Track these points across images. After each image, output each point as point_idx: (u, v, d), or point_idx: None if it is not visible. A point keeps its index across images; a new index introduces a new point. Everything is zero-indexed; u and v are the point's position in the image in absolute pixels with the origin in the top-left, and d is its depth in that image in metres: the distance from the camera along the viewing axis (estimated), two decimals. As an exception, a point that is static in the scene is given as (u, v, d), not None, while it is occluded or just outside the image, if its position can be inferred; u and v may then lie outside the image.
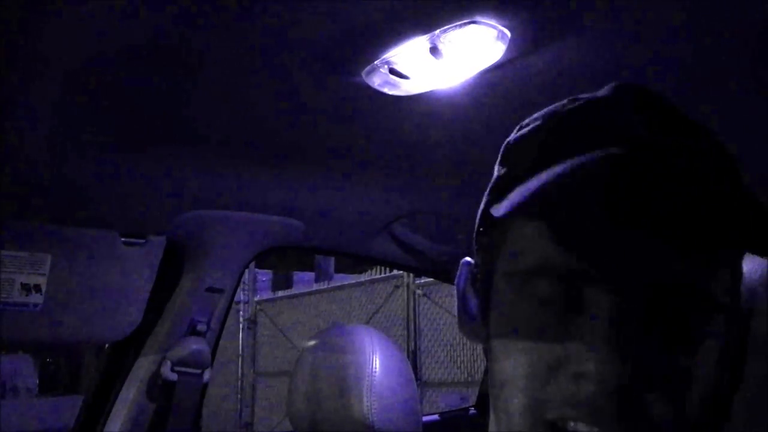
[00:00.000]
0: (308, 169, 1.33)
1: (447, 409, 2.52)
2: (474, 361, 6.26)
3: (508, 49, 0.86)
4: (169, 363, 1.53)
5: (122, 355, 1.58)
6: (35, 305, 1.37)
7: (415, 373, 5.96)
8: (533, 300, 0.53)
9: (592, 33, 0.85)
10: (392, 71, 0.93)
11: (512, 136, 0.61)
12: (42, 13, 0.79)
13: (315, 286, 8.82)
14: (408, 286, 6.82)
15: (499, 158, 0.62)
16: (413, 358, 6.56)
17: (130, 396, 1.54)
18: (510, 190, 0.52)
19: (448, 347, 6.55)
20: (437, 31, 0.83)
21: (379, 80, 0.95)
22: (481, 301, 0.60)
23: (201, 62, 0.91)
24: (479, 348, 0.62)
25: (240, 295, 8.49)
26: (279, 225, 1.55)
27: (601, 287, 0.50)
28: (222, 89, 0.99)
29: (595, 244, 0.50)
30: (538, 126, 0.59)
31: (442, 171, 1.34)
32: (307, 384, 1.22)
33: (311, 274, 10.26)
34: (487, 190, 0.61)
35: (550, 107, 0.59)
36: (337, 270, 9.89)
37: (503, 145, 0.62)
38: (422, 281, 6.63)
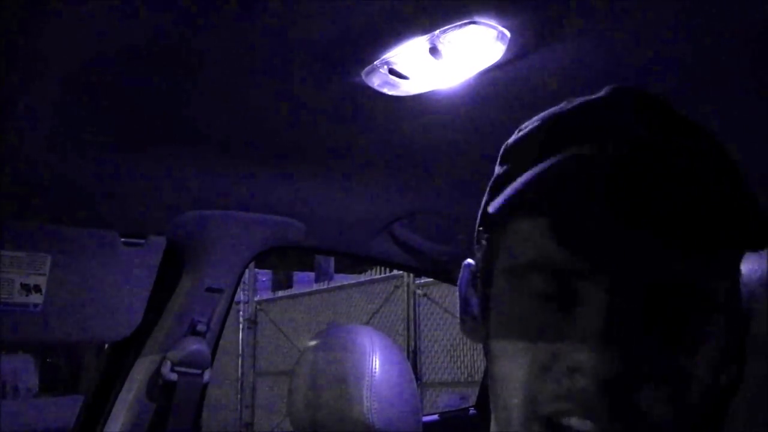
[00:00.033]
0: (308, 169, 1.33)
1: (447, 409, 2.52)
2: (474, 361, 6.26)
3: (508, 50, 0.86)
4: (169, 363, 1.54)
5: (122, 355, 1.58)
6: (35, 305, 1.37)
7: (415, 373, 5.96)
8: (529, 296, 0.53)
9: (591, 33, 0.85)
10: (392, 71, 0.93)
11: (512, 138, 0.62)
12: (42, 13, 0.79)
13: (315, 286, 8.82)
14: (408, 286, 6.82)
15: (498, 158, 0.62)
16: (413, 358, 6.56)
17: (130, 396, 1.54)
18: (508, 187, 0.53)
19: (448, 347, 6.55)
20: (437, 32, 0.83)
21: (378, 80, 0.95)
22: (481, 300, 0.61)
23: (201, 62, 0.91)
24: (479, 348, 0.62)
25: (240, 295, 8.48)
26: (279, 225, 1.55)
27: (596, 283, 0.50)
28: (222, 89, 0.99)
29: (590, 240, 0.50)
30: (537, 126, 0.59)
31: (442, 171, 1.34)
32: (308, 384, 1.22)
33: (311, 274, 10.26)
34: (487, 189, 0.62)
35: (549, 110, 0.59)
36: (337, 270, 9.89)
37: (503, 146, 0.62)
38: (422, 281, 6.62)
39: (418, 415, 1.27)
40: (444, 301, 6.44)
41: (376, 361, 1.20)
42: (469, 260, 0.66)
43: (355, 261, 5.30)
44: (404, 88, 0.97)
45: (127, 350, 1.57)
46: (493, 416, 0.59)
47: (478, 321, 0.62)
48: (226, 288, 1.61)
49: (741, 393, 0.57)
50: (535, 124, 0.59)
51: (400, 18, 0.81)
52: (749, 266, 0.62)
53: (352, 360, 1.20)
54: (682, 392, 0.50)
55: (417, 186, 1.44)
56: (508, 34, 0.83)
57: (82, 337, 1.49)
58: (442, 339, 6.60)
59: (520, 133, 0.60)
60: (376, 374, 1.19)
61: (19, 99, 0.99)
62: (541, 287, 0.52)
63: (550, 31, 0.84)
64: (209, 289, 1.58)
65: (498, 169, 0.61)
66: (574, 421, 0.49)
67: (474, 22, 0.81)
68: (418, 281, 6.71)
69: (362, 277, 7.72)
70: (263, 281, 10.14)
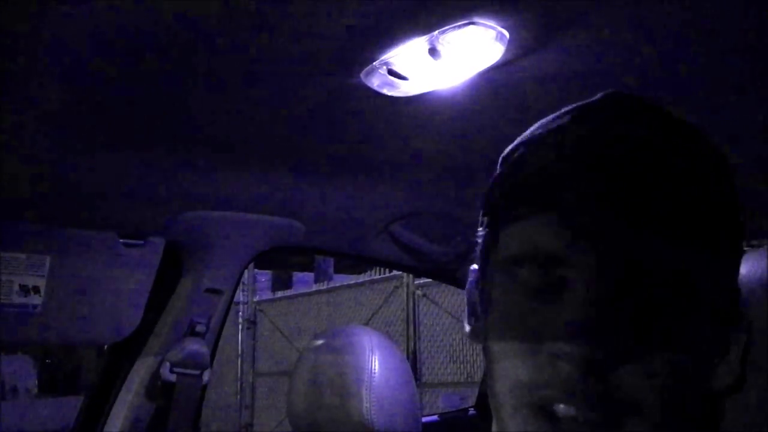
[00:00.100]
0: (307, 169, 1.33)
1: (446, 410, 2.52)
2: (474, 361, 6.26)
3: (507, 50, 0.86)
4: (168, 364, 1.54)
5: (121, 356, 1.58)
6: (34, 306, 1.37)
7: (415, 374, 5.96)
8: (518, 287, 0.55)
9: (590, 33, 0.85)
10: (391, 72, 0.93)
11: (509, 148, 0.63)
12: (42, 13, 0.79)
13: (314, 287, 8.81)
14: (407, 286, 6.81)
15: (500, 160, 0.62)
16: (413, 358, 6.56)
17: (129, 397, 1.54)
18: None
19: (448, 348, 6.55)
20: (436, 32, 0.83)
21: (377, 81, 0.95)
22: (481, 298, 0.61)
23: (200, 63, 0.91)
24: (479, 348, 0.63)
25: (239, 296, 8.48)
26: (278, 226, 1.55)
27: (580, 272, 0.51)
28: (221, 91, 0.99)
29: (577, 230, 0.52)
30: (533, 137, 0.60)
31: (442, 171, 1.34)
32: (307, 385, 1.22)
33: (311, 275, 10.26)
34: (488, 187, 0.62)
35: (544, 119, 0.60)
36: (337, 270, 9.89)
37: (501, 156, 0.62)
38: (422, 282, 6.62)
39: (417, 415, 1.27)
40: (443, 301, 6.45)
41: (376, 362, 1.20)
42: (475, 265, 0.67)
43: (354, 261, 5.30)
44: (403, 89, 0.97)
45: (126, 351, 1.57)
46: (493, 414, 0.60)
47: (480, 321, 0.62)
48: (226, 289, 1.61)
49: (740, 393, 0.57)
50: (531, 133, 0.60)
51: (399, 19, 0.81)
52: (749, 266, 0.62)
53: (352, 361, 1.20)
54: (667, 382, 0.51)
55: (416, 186, 1.44)
56: (507, 34, 0.83)
57: (81, 338, 1.49)
58: (442, 339, 6.60)
59: (516, 143, 0.61)
60: (376, 375, 1.19)
61: (18, 99, 0.99)
62: (529, 278, 0.54)
63: (549, 32, 0.84)
64: (208, 290, 1.58)
65: (498, 171, 0.61)
66: (559, 408, 0.50)
67: (473, 23, 0.81)
68: (417, 282, 6.70)
69: (362, 278, 7.72)
70: (263, 282, 10.14)
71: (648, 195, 0.50)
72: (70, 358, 14.08)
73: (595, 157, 0.52)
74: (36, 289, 1.37)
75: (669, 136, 0.55)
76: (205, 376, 1.59)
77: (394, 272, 6.78)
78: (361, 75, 0.93)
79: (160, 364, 1.54)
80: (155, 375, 1.54)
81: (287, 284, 10.35)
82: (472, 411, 2.18)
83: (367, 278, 7.55)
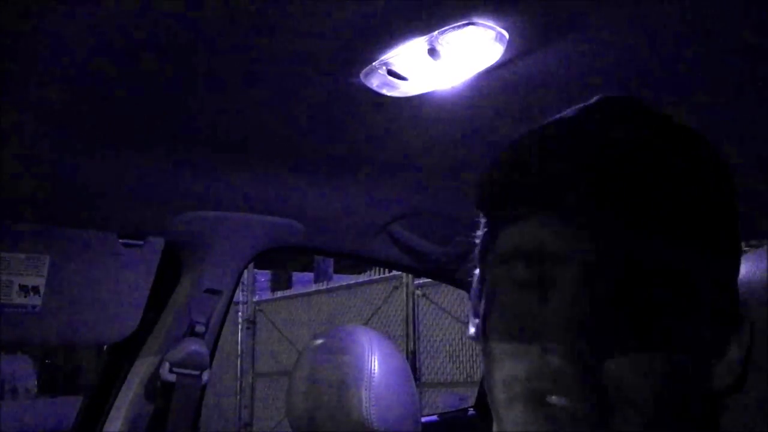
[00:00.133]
0: (307, 170, 1.33)
1: (446, 410, 2.52)
2: (473, 361, 6.26)
3: (507, 50, 0.86)
4: (167, 364, 1.53)
5: (121, 356, 1.58)
6: (34, 306, 1.37)
7: (414, 374, 5.95)
8: (513, 283, 0.56)
9: (590, 34, 0.85)
10: (390, 72, 0.93)
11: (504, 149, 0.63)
12: (42, 12, 0.79)
13: (314, 287, 8.81)
14: (407, 286, 6.81)
15: (496, 159, 0.63)
16: (412, 358, 6.56)
17: (128, 397, 1.54)
18: None
19: (447, 348, 6.54)
20: (435, 33, 0.83)
21: (377, 81, 0.95)
22: (480, 299, 0.62)
23: (200, 63, 0.91)
24: (478, 348, 0.63)
25: (239, 296, 8.48)
26: (278, 226, 1.55)
27: (572, 267, 0.52)
28: (221, 90, 0.99)
29: (571, 228, 0.53)
30: (527, 140, 0.61)
31: (441, 172, 1.34)
32: (306, 384, 1.22)
33: (310, 275, 10.26)
34: (483, 187, 0.63)
35: (539, 125, 0.61)
36: (336, 270, 9.89)
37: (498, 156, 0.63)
38: (421, 282, 6.62)
39: (417, 415, 1.27)
40: (443, 301, 6.45)
41: (375, 362, 1.20)
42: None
43: (354, 261, 5.30)
44: (403, 89, 0.97)
45: (125, 351, 1.57)
46: (492, 413, 0.60)
47: (480, 321, 0.63)
48: (225, 289, 1.61)
49: (741, 393, 0.57)
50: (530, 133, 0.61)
51: (398, 19, 0.81)
52: (749, 266, 0.62)
53: (351, 361, 1.20)
54: (662, 379, 0.51)
55: (416, 187, 1.44)
56: (506, 34, 0.83)
57: (81, 338, 1.49)
58: (441, 339, 6.59)
59: (511, 145, 0.62)
60: (375, 375, 1.19)
61: (18, 99, 0.99)
62: (523, 275, 0.55)
63: (548, 32, 0.84)
64: (208, 290, 1.58)
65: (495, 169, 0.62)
66: (552, 399, 0.51)
67: (472, 23, 0.81)
68: (417, 282, 6.70)
69: (361, 278, 7.72)
70: (262, 282, 10.14)
71: (645, 194, 0.51)
72: (70, 358, 14.08)
73: (593, 158, 0.53)
74: (35, 290, 1.37)
75: (666, 136, 0.55)
76: (205, 377, 1.59)
77: (394, 272, 6.78)
78: (361, 75, 0.93)
79: (160, 364, 1.54)
80: (155, 375, 1.54)
81: (287, 284, 10.35)
82: (471, 411, 2.18)
83: (366, 278, 7.55)
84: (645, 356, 0.51)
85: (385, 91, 0.97)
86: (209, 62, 0.91)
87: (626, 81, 0.94)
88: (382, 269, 6.87)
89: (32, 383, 13.05)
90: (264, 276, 10.49)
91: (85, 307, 1.43)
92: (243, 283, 8.44)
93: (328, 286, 8.36)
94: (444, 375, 6.59)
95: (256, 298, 9.05)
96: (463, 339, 6.31)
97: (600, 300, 0.51)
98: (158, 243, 1.50)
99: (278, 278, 10.90)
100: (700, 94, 0.98)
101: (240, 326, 8.81)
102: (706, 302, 0.53)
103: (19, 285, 1.36)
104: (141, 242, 1.48)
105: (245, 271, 1.86)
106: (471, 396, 3.54)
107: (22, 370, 12.77)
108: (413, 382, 1.29)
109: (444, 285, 5.13)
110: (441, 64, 0.89)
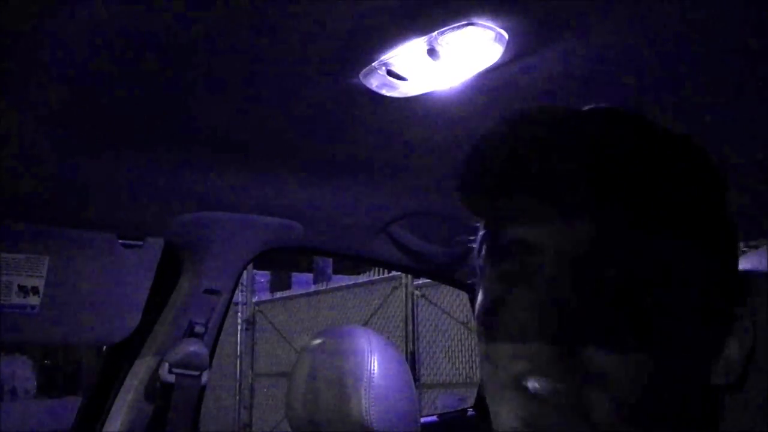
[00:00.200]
0: (306, 170, 1.33)
1: (445, 411, 2.52)
2: (472, 362, 6.26)
3: (506, 51, 0.86)
4: (167, 365, 1.53)
5: (120, 357, 1.58)
6: (33, 307, 1.37)
7: (414, 375, 5.95)
8: (499, 275, 0.57)
9: (590, 34, 0.85)
10: (390, 73, 0.93)
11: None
12: (42, 12, 0.79)
13: (313, 288, 8.82)
14: (406, 287, 6.81)
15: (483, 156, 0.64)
16: (411, 359, 6.55)
17: (128, 398, 1.54)
18: None
19: (447, 348, 6.54)
20: (435, 33, 0.83)
21: (376, 82, 0.95)
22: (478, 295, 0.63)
23: (198, 64, 0.91)
24: (478, 349, 0.64)
25: (238, 296, 8.48)
26: (277, 226, 1.55)
27: (551, 257, 0.54)
28: (219, 91, 0.99)
29: (551, 219, 0.54)
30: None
31: (441, 172, 1.34)
32: (306, 385, 1.22)
33: (309, 275, 10.26)
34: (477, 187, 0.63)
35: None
36: (336, 271, 9.90)
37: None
38: (420, 282, 6.62)
39: (416, 416, 1.28)
40: (442, 302, 6.45)
41: (375, 363, 1.20)
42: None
43: (353, 262, 5.30)
44: (402, 90, 0.97)
45: (125, 352, 1.57)
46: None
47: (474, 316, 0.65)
48: (225, 290, 1.61)
49: (742, 393, 0.57)
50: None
51: (397, 19, 0.81)
52: (749, 266, 0.62)
53: (351, 361, 1.20)
54: (642, 370, 0.52)
55: (415, 187, 1.44)
56: (505, 35, 0.83)
57: (80, 338, 1.49)
58: (441, 340, 6.59)
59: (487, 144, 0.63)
60: (375, 375, 1.19)
61: (18, 99, 0.99)
62: (505, 266, 0.56)
63: (547, 33, 0.84)
64: (207, 291, 1.58)
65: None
66: (531, 382, 0.52)
67: (472, 24, 0.81)
68: (416, 282, 6.71)
69: (360, 279, 7.72)
70: (261, 282, 10.14)
71: (633, 188, 0.52)
72: (70, 358, 14.08)
73: (586, 159, 0.53)
74: (35, 290, 1.37)
75: (661, 140, 0.57)
76: (204, 377, 1.59)
77: (393, 273, 6.78)
78: (360, 75, 0.93)
79: (159, 364, 1.54)
80: (154, 376, 1.54)
81: (286, 285, 10.35)
82: (470, 411, 2.18)
83: (365, 279, 7.55)
84: (628, 347, 0.51)
85: (384, 92, 0.97)
86: (209, 62, 0.91)
87: (626, 81, 0.94)
88: (381, 270, 6.87)
89: (31, 384, 13.05)
90: (263, 277, 10.49)
91: (84, 307, 1.43)
92: (242, 284, 8.44)
93: (328, 287, 8.37)
94: (443, 375, 6.58)
95: (255, 299, 9.05)
96: (462, 340, 6.32)
97: (584, 289, 0.52)
98: (158, 243, 1.50)
99: (277, 279, 10.90)
100: (700, 94, 0.98)
101: (239, 327, 8.81)
102: (695, 299, 0.54)
103: (19, 285, 1.36)
104: (141, 242, 1.48)
105: (244, 271, 1.86)
106: (470, 396, 3.54)
107: (21, 370, 12.77)
108: (412, 382, 1.29)
109: (443, 286, 5.13)
110: (440, 65, 0.89)
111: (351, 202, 1.50)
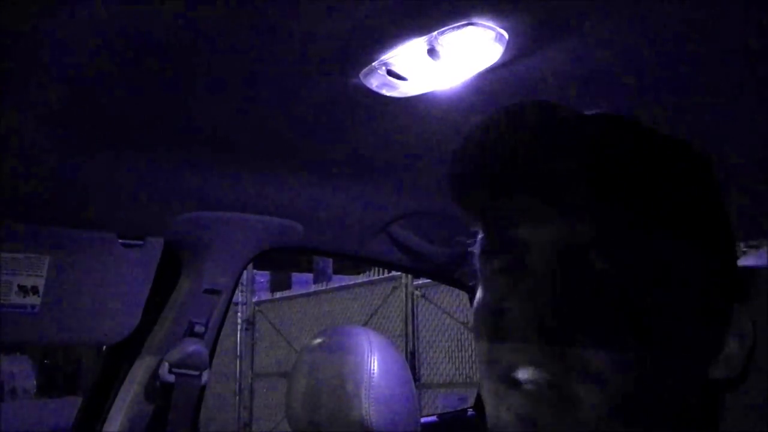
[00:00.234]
0: (306, 170, 1.33)
1: (445, 411, 2.52)
2: (472, 362, 6.25)
3: (506, 51, 0.86)
4: (167, 365, 1.53)
5: (120, 356, 1.58)
6: (33, 307, 1.37)
7: (414, 374, 5.95)
8: (500, 273, 0.57)
9: (590, 34, 0.85)
10: (390, 73, 0.93)
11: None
12: (42, 13, 0.79)
13: (313, 287, 8.81)
14: (406, 287, 6.81)
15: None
16: (411, 359, 6.56)
17: (128, 398, 1.53)
18: None
19: (446, 348, 6.55)
20: (435, 33, 0.83)
21: (376, 82, 0.95)
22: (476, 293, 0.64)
23: (198, 64, 0.91)
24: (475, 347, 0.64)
25: (238, 296, 8.48)
26: (277, 226, 1.55)
27: (540, 253, 0.54)
28: (220, 91, 0.99)
29: (542, 216, 0.55)
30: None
31: (440, 172, 1.34)
32: (306, 385, 1.22)
33: (309, 275, 10.27)
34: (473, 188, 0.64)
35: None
36: (336, 271, 9.90)
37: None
38: (420, 282, 6.63)
39: (416, 416, 1.28)
40: (442, 302, 6.45)
41: (375, 363, 1.20)
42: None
43: (353, 262, 5.30)
44: (402, 90, 0.97)
45: (125, 352, 1.57)
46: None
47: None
48: (225, 289, 1.61)
49: (742, 393, 0.57)
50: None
51: (398, 19, 0.81)
52: (748, 264, 0.62)
53: (351, 361, 1.20)
54: (632, 365, 0.52)
55: (415, 187, 1.44)
56: (506, 35, 0.83)
57: (80, 338, 1.48)
58: (441, 340, 6.60)
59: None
60: (375, 375, 1.19)
61: (18, 99, 0.99)
62: (496, 263, 0.57)
63: (548, 33, 0.84)
64: (207, 291, 1.58)
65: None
66: (521, 374, 0.53)
67: (472, 24, 0.81)
68: (416, 282, 6.71)
69: (360, 278, 7.72)
70: (261, 282, 10.14)
71: (627, 186, 0.52)
72: (70, 358, 14.08)
73: (586, 159, 0.54)
74: (35, 290, 1.37)
75: (659, 143, 0.57)
76: (204, 377, 1.59)
77: (393, 273, 6.79)
78: (360, 75, 0.93)
79: (159, 364, 1.54)
80: (154, 375, 1.54)
81: (286, 285, 10.35)
82: (470, 411, 2.18)
83: (365, 279, 7.55)
84: (627, 347, 0.51)
85: (384, 92, 0.97)
86: (209, 62, 0.91)
87: (626, 81, 0.94)
88: (381, 270, 6.87)
89: (31, 384, 13.05)
90: (263, 276, 10.49)
91: (84, 307, 1.43)
92: (242, 284, 8.44)
93: (328, 287, 8.37)
94: (443, 375, 6.59)
95: (255, 299, 9.05)
96: (462, 340, 6.32)
97: (583, 289, 0.52)
98: (158, 243, 1.50)
99: (277, 279, 10.90)
100: (700, 95, 0.98)
101: (239, 327, 8.81)
102: (695, 298, 0.54)
103: (18, 285, 1.36)
104: (141, 242, 1.48)
105: (244, 271, 1.86)
106: (470, 396, 3.54)
107: (21, 370, 12.77)
108: (412, 382, 1.29)
109: (443, 285, 5.13)
110: (440, 65, 0.89)
111: (351, 202, 1.50)
